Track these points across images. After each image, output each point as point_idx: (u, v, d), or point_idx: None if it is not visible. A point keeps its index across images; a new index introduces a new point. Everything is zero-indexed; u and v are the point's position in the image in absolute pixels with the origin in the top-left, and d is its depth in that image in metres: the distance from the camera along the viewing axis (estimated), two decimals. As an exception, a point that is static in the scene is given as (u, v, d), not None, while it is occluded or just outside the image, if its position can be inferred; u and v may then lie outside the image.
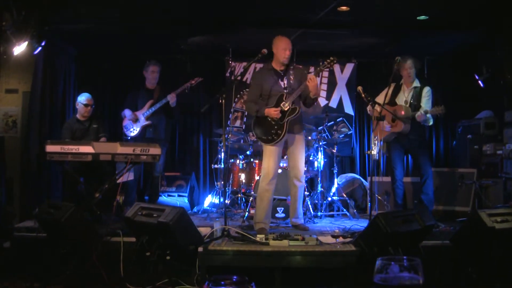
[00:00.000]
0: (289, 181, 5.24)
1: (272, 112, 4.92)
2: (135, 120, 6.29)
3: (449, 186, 6.29)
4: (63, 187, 6.67)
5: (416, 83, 5.59)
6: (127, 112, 6.35)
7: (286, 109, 4.94)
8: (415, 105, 5.46)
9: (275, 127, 4.98)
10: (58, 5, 5.69)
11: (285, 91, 5.02)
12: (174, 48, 7.50)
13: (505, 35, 6.26)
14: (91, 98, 6.14)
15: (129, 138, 6.34)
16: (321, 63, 5.02)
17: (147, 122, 6.29)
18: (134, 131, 6.31)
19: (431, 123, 5.50)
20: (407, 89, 5.61)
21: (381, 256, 1.39)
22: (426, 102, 5.44)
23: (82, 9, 5.91)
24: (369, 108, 5.65)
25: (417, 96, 5.50)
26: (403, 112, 5.40)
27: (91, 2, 5.70)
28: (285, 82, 5.07)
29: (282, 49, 4.97)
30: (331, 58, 4.92)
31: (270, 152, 5.04)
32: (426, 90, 5.51)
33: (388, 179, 6.19)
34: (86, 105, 6.07)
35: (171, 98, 6.25)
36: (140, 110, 6.34)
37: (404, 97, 5.59)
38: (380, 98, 5.50)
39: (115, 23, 6.46)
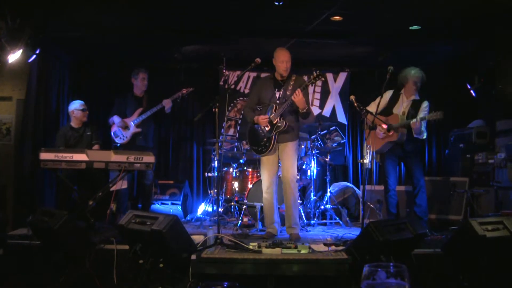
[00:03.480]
0: (283, 187, 5.24)
1: (261, 119, 5.12)
2: (125, 127, 6.23)
3: (442, 195, 6.32)
4: (56, 194, 6.66)
5: (416, 97, 5.55)
6: (116, 119, 6.26)
7: (274, 122, 5.04)
8: (413, 114, 5.42)
9: (264, 139, 5.13)
10: (52, 13, 5.73)
11: (277, 102, 5.10)
12: (168, 57, 7.52)
13: (496, 45, 6.34)
14: (84, 103, 6.20)
15: (118, 145, 6.28)
16: (307, 79, 5.03)
17: (137, 130, 6.24)
18: (123, 138, 6.24)
19: (425, 136, 5.48)
20: (406, 100, 5.55)
21: (373, 264, 1.41)
22: (423, 115, 5.34)
23: (76, 18, 5.96)
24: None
25: (415, 108, 5.46)
26: (398, 121, 5.41)
27: (86, 11, 5.73)
28: (281, 92, 5.13)
29: (280, 61, 5.09)
30: (315, 74, 4.89)
31: (262, 162, 5.29)
32: (425, 105, 5.47)
33: (380, 187, 6.21)
34: (83, 110, 6.14)
35: (167, 104, 6.24)
36: (130, 117, 6.28)
37: (402, 108, 5.54)
38: (372, 107, 5.49)
39: (109, 32, 6.50)
